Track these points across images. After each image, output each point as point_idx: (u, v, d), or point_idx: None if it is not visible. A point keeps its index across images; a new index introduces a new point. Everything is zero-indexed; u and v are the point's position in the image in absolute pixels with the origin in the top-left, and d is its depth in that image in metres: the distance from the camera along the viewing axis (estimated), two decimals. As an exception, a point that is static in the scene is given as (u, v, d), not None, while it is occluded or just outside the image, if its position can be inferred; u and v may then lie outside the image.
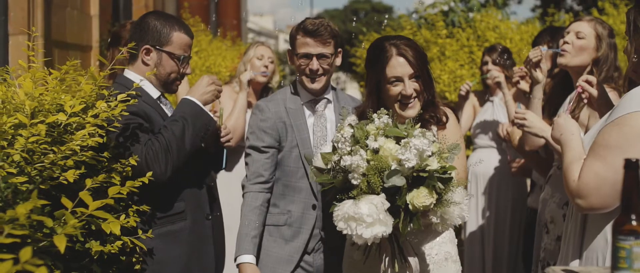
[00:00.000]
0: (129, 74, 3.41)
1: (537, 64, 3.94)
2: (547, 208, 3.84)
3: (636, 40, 2.73)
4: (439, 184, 2.67)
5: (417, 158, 2.64)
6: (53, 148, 2.55)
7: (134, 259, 3.08)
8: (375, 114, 2.87)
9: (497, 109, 5.60)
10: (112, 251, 2.76)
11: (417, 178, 2.69)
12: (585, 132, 3.09)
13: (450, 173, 2.72)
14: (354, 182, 2.75)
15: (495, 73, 5.50)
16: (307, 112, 3.74)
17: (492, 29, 8.46)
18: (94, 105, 2.79)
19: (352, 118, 3.22)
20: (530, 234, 4.44)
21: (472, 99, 5.86)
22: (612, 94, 3.56)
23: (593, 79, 3.21)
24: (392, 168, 2.68)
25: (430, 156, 2.70)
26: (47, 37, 6.51)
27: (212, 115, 3.44)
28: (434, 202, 2.68)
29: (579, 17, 4.11)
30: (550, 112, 4.11)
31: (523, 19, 12.79)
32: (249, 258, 3.56)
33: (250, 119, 3.80)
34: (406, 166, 2.64)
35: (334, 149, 2.91)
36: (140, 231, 2.92)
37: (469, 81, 6.05)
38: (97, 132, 2.68)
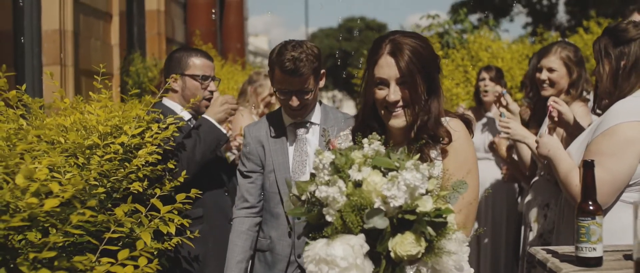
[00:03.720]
0: (165, 101, 4.03)
1: (503, 103, 4.49)
2: (530, 210, 4.31)
3: (608, 63, 3.29)
4: (430, 230, 2.19)
5: (406, 196, 2.16)
6: (125, 164, 3.11)
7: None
8: (365, 139, 2.35)
9: (491, 124, 6.16)
10: (169, 248, 3.30)
11: (405, 220, 2.19)
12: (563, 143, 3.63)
13: (445, 217, 2.22)
14: (329, 218, 2.24)
15: (498, 88, 6.08)
16: (290, 136, 3.60)
17: (484, 49, 9.03)
18: (149, 128, 3.36)
19: (345, 133, 2.91)
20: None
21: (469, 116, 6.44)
22: (583, 109, 4.14)
23: (559, 100, 3.82)
24: (376, 205, 2.19)
25: (424, 194, 2.21)
26: (76, 67, 7.05)
27: (224, 130, 3.92)
28: (423, 251, 2.19)
29: (545, 49, 4.62)
30: (537, 122, 4.67)
31: (516, 35, 13.36)
32: None
33: None
34: (392, 205, 2.16)
35: (313, 177, 2.39)
36: (188, 232, 3.32)
37: (461, 104, 6.62)
38: (156, 150, 3.25)
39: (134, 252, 2.20)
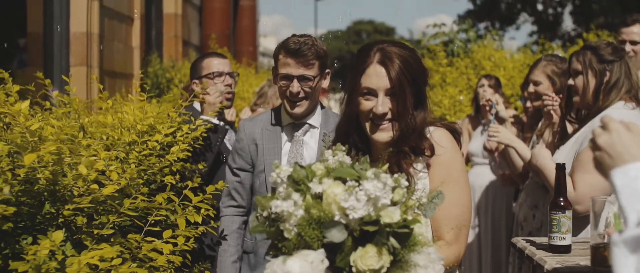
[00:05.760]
0: (196, 104, 4.45)
1: (492, 113, 4.92)
2: (521, 210, 4.66)
3: (593, 76, 3.63)
4: (393, 241, 2.03)
5: (368, 206, 2.01)
6: (161, 159, 3.53)
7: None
8: (329, 150, 2.19)
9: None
10: (196, 235, 3.69)
11: (367, 232, 2.04)
12: (549, 147, 4.02)
13: (411, 228, 2.04)
14: (286, 235, 2.09)
15: (496, 96, 6.46)
16: (285, 136, 3.50)
17: (487, 59, 9.42)
18: (180, 128, 3.77)
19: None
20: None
21: (467, 125, 6.87)
22: None
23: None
24: (336, 218, 2.04)
25: (388, 205, 2.04)
26: (101, 68, 7.47)
27: (215, 121, 4.22)
28: (387, 266, 2.02)
29: (534, 63, 4.99)
30: (532, 127, 5.07)
31: (521, 43, 13.72)
32: None
33: None
34: (351, 216, 2.01)
35: (274, 192, 2.23)
36: (212, 222, 3.54)
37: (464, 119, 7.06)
38: (187, 148, 3.66)
39: (177, 231, 2.65)
